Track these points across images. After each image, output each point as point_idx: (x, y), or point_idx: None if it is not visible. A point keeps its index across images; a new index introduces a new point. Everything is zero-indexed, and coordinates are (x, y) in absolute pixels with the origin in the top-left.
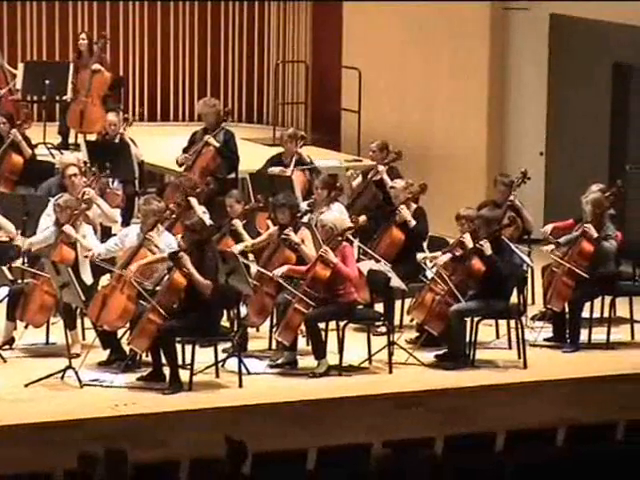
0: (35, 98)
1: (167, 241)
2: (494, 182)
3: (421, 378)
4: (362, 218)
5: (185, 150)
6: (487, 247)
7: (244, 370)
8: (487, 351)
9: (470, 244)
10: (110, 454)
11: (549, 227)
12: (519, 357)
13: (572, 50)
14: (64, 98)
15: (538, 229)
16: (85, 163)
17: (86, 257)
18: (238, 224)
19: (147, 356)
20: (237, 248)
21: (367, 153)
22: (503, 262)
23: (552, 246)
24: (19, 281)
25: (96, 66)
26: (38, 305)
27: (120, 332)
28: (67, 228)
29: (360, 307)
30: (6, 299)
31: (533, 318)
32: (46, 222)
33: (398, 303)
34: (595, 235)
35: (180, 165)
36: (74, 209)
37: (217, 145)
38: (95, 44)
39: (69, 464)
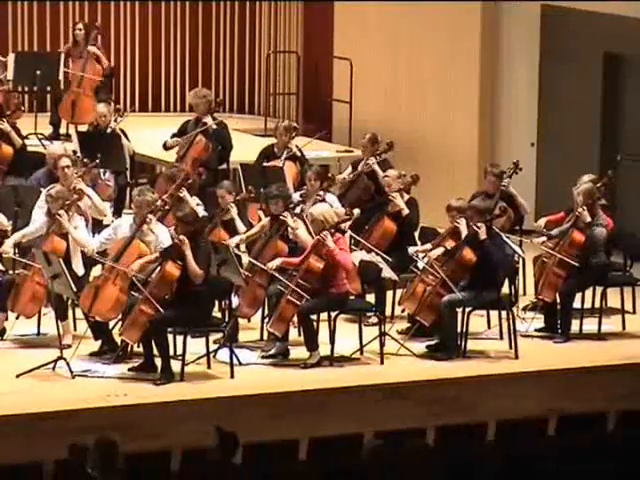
0: (26, 89)
1: (160, 233)
2: (484, 173)
3: (412, 369)
4: (356, 211)
5: (174, 136)
6: (483, 231)
7: (236, 361)
8: (478, 342)
9: (465, 230)
10: (101, 445)
11: (542, 221)
12: (510, 348)
13: (563, 40)
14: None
15: (531, 221)
16: (74, 153)
17: (83, 253)
18: (234, 211)
19: (138, 347)
20: (233, 241)
21: (359, 145)
22: (495, 250)
23: (543, 238)
24: (10, 271)
25: (93, 49)
26: (29, 296)
27: (111, 323)
28: (61, 214)
29: (352, 298)
30: None
31: (524, 309)
32: (39, 214)
33: (389, 294)
34: (588, 219)
35: (167, 149)
36: (66, 200)
37: (214, 127)
38: (91, 35)
39: (60, 455)
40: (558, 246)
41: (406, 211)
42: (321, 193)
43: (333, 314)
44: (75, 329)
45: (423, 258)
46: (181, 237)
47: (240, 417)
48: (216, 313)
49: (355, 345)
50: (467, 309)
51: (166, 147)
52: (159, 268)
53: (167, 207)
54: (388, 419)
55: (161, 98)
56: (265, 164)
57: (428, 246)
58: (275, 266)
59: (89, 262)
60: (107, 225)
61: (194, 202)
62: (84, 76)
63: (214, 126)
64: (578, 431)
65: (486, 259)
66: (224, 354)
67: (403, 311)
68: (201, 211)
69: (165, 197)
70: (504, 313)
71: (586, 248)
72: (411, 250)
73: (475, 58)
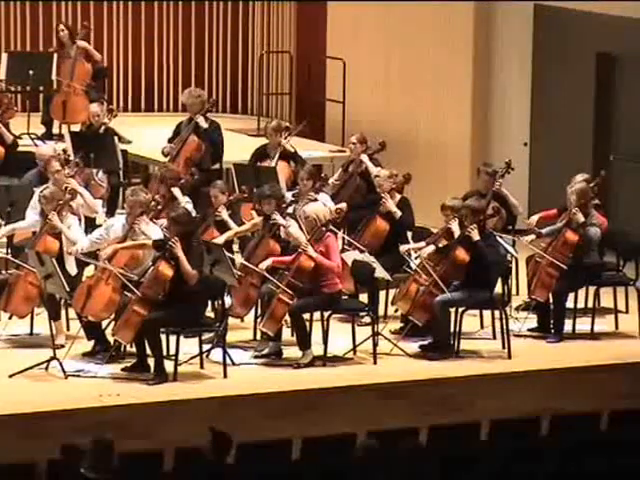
0: (19, 88)
1: (153, 232)
2: (477, 172)
3: (406, 368)
4: (343, 205)
5: (170, 141)
6: (475, 233)
7: (229, 361)
8: (471, 341)
9: (458, 231)
10: (97, 444)
11: (535, 218)
12: (503, 347)
13: (556, 40)
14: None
15: (523, 220)
16: (64, 152)
17: (70, 254)
18: (224, 212)
19: (132, 347)
20: (221, 239)
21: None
22: (488, 250)
23: (533, 236)
24: (3, 272)
25: (82, 43)
26: (22, 296)
27: (104, 323)
28: (53, 216)
29: (344, 298)
30: None
31: (517, 308)
32: (32, 214)
33: (382, 293)
34: (582, 220)
35: (166, 155)
36: (59, 200)
37: (205, 126)
38: (77, 34)
39: (53, 455)
40: (551, 246)
41: (399, 214)
42: (311, 194)
43: (326, 314)
44: (68, 329)
45: (416, 258)
46: (174, 239)
47: (233, 417)
48: (209, 313)
49: (348, 345)
50: (460, 309)
51: (164, 154)
52: (152, 268)
53: (160, 207)
54: (381, 419)
55: (154, 98)
56: (258, 164)
57: (421, 244)
58: (266, 267)
59: (82, 262)
60: (101, 225)
61: (184, 201)
62: (74, 75)
63: (205, 126)
64: (571, 430)
65: (479, 259)
66: (217, 354)
67: (396, 311)
68: (191, 210)
69: (158, 197)
70: (497, 313)
71: (580, 248)
72: (402, 248)
73: (468, 58)
